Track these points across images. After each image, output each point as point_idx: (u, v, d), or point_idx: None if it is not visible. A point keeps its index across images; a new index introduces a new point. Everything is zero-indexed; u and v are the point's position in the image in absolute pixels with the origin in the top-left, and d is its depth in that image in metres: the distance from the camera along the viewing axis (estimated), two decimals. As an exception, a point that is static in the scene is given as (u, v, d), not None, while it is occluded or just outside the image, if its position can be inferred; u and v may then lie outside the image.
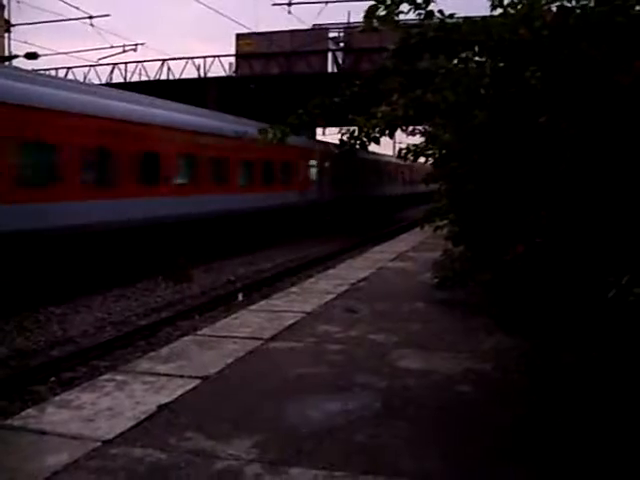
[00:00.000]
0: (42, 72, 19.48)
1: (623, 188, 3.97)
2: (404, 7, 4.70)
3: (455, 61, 5.13)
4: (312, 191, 31.65)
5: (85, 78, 36.48)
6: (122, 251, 17.17)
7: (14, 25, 32.96)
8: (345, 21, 37.98)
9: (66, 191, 15.52)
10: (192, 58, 36.76)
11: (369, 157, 38.92)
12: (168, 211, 19.39)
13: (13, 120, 13.88)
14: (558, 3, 4.51)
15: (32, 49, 28.93)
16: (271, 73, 35.40)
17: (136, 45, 35.71)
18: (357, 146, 5.23)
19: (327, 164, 34.14)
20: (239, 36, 36.86)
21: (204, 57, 36.67)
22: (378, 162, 43.44)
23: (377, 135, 5.11)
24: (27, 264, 14.01)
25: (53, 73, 36.16)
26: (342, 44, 37.28)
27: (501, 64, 4.80)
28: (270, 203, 26.35)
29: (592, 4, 4.37)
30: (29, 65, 28.09)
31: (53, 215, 14.82)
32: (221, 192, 22.69)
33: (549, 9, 4.54)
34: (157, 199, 19.03)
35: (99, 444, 4.40)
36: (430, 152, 6.26)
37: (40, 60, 27.88)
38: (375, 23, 4.71)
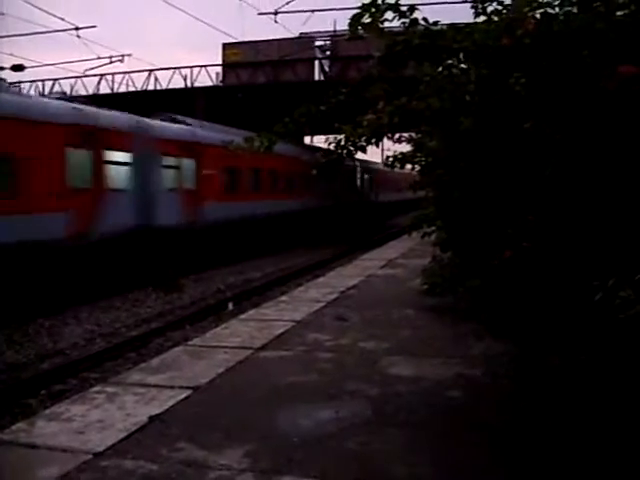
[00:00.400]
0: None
1: (608, 192, 4.00)
2: (389, 15, 4.73)
3: (440, 68, 5.16)
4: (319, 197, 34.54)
5: (72, 89, 36.44)
6: (265, 232, 26.63)
7: (-1, 37, 32.79)
8: (331, 29, 38.12)
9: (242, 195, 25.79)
10: (179, 68, 36.84)
11: (360, 165, 39.89)
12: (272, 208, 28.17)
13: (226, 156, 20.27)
14: (542, 10, 4.54)
15: (18, 61, 28.87)
16: (258, 82, 35.45)
17: (123, 56, 35.62)
18: (344, 154, 5.25)
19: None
20: (225, 45, 36.92)
21: (191, 67, 36.76)
22: (370, 170, 44.08)
23: (363, 143, 5.13)
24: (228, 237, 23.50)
25: (40, 85, 36.11)
26: (329, 52, 37.40)
27: (485, 71, 4.83)
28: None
29: (575, 10, 4.42)
30: (15, 77, 28.03)
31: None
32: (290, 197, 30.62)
33: (533, 16, 4.58)
34: (272, 201, 28.26)
35: (90, 456, 4.39)
36: (417, 159, 6.29)
37: (26, 72, 27.77)
38: (360, 31, 4.74)
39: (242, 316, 9.67)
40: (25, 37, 32.68)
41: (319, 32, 38.44)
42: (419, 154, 6.28)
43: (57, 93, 33.65)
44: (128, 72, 37.41)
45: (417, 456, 4.40)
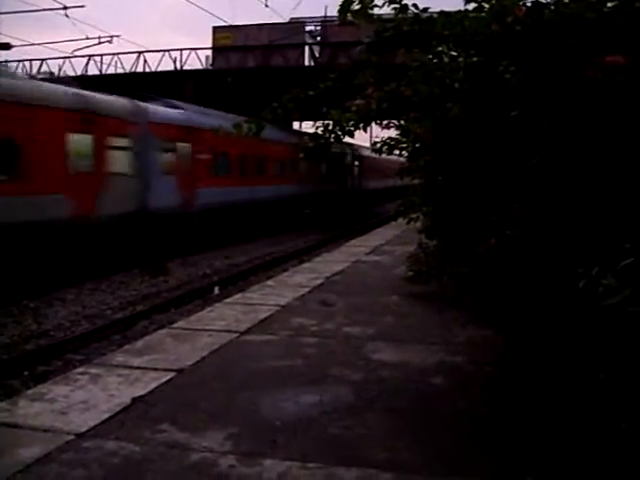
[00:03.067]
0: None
1: (595, 181, 4.02)
2: (378, 1, 4.72)
3: (430, 56, 5.15)
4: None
5: (60, 70, 36.16)
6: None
7: (-13, 16, 32.52)
8: (322, 15, 38.01)
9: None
10: (168, 50, 36.67)
11: (349, 151, 39.99)
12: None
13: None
14: None
15: (4, 39, 28.59)
16: (248, 66, 35.31)
17: (111, 37, 35.48)
18: (331, 139, 5.24)
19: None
20: (216, 29, 36.73)
21: (180, 50, 36.58)
22: (362, 157, 44.12)
23: (351, 128, 5.12)
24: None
25: (27, 65, 35.80)
26: (319, 38, 37.30)
27: (475, 58, 4.83)
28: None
29: (566, 0, 4.41)
30: (1, 56, 27.75)
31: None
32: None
33: (524, 4, 4.57)
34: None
35: (72, 437, 4.39)
36: (404, 145, 6.28)
37: (13, 51, 27.57)
38: (349, 17, 4.72)
39: (227, 300, 9.66)
40: (12, 15, 32.45)
41: (310, 17, 38.38)
42: (406, 139, 6.27)
43: (45, 73, 33.40)
44: (117, 53, 37.21)
45: (398, 441, 4.42)
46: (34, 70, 36.43)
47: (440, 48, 5.00)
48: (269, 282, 11.39)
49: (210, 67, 36.60)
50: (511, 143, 4.50)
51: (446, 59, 5.11)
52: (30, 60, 37.30)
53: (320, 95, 5.09)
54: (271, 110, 5.14)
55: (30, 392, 5.52)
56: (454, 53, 5.02)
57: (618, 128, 3.81)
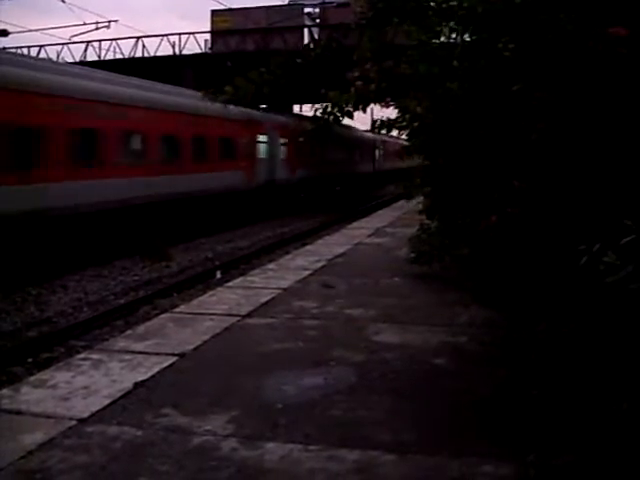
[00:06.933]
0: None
1: (596, 156, 3.98)
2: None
3: (429, 34, 5.10)
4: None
5: (58, 56, 35.99)
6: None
7: (-17, 2, 32.35)
8: (321, -3, 37.71)
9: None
10: (167, 35, 36.38)
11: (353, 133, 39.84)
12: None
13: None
14: None
15: (2, 26, 28.32)
16: (247, 49, 35.09)
17: (109, 22, 35.27)
18: (331, 120, 5.20)
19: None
20: (214, 12, 36.51)
21: (179, 34, 36.31)
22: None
23: (350, 109, 5.07)
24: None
25: (25, 51, 35.62)
26: (318, 20, 37.06)
27: (474, 36, 4.78)
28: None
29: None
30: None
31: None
32: None
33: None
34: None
35: (75, 422, 4.38)
36: (404, 124, 6.23)
37: (10, 37, 27.39)
38: None
39: (229, 284, 9.66)
40: (9, 1, 32.26)
41: (309, -1, 38.09)
42: (406, 116, 6.22)
43: (43, 60, 33.23)
44: (115, 39, 36.93)
45: (402, 422, 4.41)
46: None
47: (439, 28, 4.95)
48: (271, 265, 11.37)
49: (209, 51, 36.39)
50: (511, 120, 4.46)
51: (444, 38, 5.07)
52: (28, 47, 37.11)
53: (312, 64, 4.98)
54: (259, 74, 4.97)
55: (32, 379, 5.51)
56: (453, 26, 4.97)
57: (620, 101, 3.77)
